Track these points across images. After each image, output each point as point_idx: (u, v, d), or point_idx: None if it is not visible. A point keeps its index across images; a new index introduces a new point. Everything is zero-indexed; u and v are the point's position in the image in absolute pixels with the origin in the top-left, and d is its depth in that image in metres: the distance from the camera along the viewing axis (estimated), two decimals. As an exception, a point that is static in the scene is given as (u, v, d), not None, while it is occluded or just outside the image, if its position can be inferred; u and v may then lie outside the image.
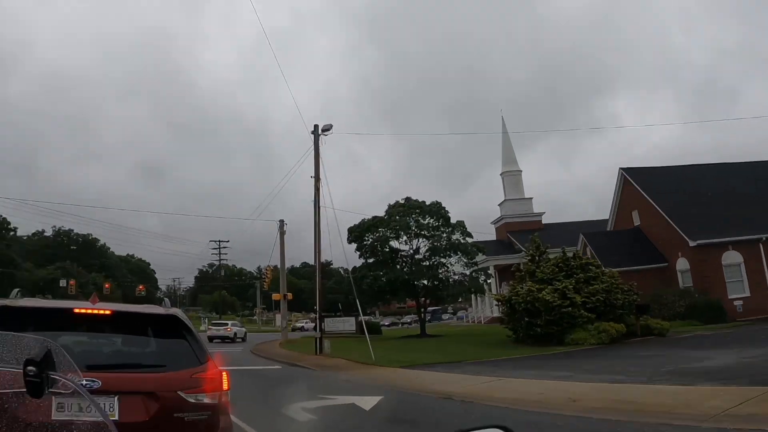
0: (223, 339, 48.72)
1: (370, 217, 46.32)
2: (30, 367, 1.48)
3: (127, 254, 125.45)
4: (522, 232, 57.19)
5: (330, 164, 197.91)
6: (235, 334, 50.43)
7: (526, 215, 63.05)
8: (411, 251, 45.55)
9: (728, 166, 43.75)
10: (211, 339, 47.13)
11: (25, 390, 1.50)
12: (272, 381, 18.82)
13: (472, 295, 58.99)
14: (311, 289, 41.72)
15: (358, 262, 46.58)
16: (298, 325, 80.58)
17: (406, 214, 45.38)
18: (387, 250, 45.33)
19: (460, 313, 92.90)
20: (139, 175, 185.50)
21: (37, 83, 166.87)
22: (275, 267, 54.58)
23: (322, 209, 31.91)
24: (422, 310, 47.53)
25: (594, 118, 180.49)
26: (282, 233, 47.84)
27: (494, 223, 66.99)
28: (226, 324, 53.41)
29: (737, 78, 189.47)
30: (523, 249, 43.63)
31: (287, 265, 51.11)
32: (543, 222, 63.36)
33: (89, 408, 4.01)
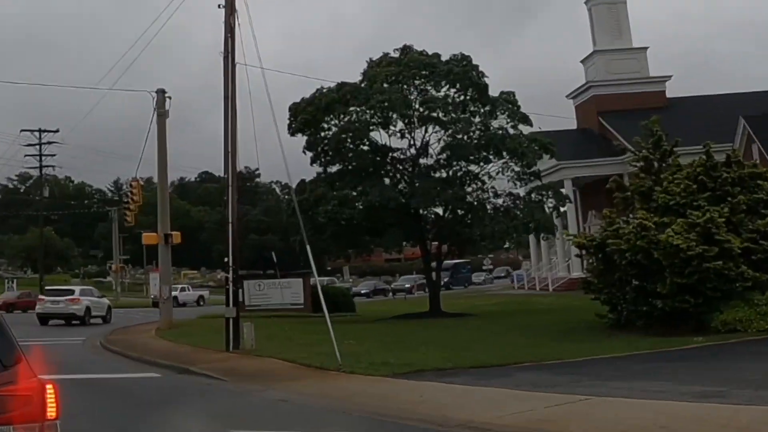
0: (68, 319, 48.87)
1: (333, 86, 45.84)
2: None
3: None
4: (627, 114, 57.06)
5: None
6: (88, 309, 50.50)
7: (634, 81, 63.10)
8: (413, 151, 45.49)
9: None
10: (44, 319, 47.34)
11: None
12: (143, 403, 18.80)
13: (531, 237, 59.34)
14: (218, 224, 41.72)
15: (311, 171, 46.44)
16: (203, 292, 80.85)
17: (404, 78, 45.11)
18: (366, 148, 45.28)
19: (518, 272, 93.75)
20: None
21: None
22: (148, 181, 54.14)
23: (240, 70, 31.34)
24: (434, 264, 47.87)
25: None
26: (161, 115, 47.16)
27: (573, 97, 67.08)
28: (71, 292, 53.49)
29: None
30: (628, 147, 43.51)
31: (172, 178, 50.96)
32: (667, 95, 63.30)
33: None
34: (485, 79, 45.36)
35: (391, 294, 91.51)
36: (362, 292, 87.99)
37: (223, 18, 31.34)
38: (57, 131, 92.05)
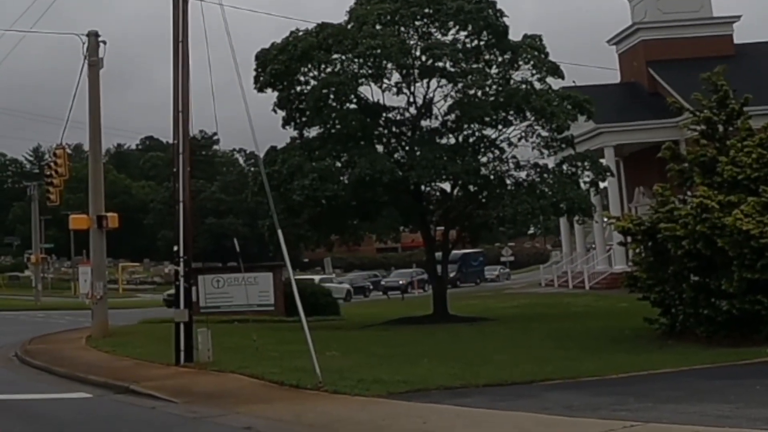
0: None
1: (312, 28, 45.70)
2: None
3: None
4: (684, 64, 57.15)
5: None
6: None
7: (693, 23, 63.41)
8: (412, 111, 45.47)
9: None
10: None
11: None
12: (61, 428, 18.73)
13: (562, 220, 59.41)
14: (167, 203, 41.82)
15: (284, 136, 46.41)
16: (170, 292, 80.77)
17: (402, 19, 45.15)
18: (353, 107, 45.19)
19: (561, 259, 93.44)
20: None
21: None
22: (77, 149, 53.91)
23: (194, 6, 31.17)
24: (440, 255, 48.00)
25: None
26: (93, 65, 47.06)
27: (616, 43, 67.27)
28: None
29: None
30: (686, 106, 43.41)
31: (108, 144, 50.95)
32: (735, 41, 63.50)
33: None
34: (504, 19, 45.17)
35: (384, 291, 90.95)
36: (347, 287, 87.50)
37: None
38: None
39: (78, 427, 19.43)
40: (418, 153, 43.97)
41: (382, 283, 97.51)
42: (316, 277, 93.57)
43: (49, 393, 24.92)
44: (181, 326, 29.86)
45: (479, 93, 44.13)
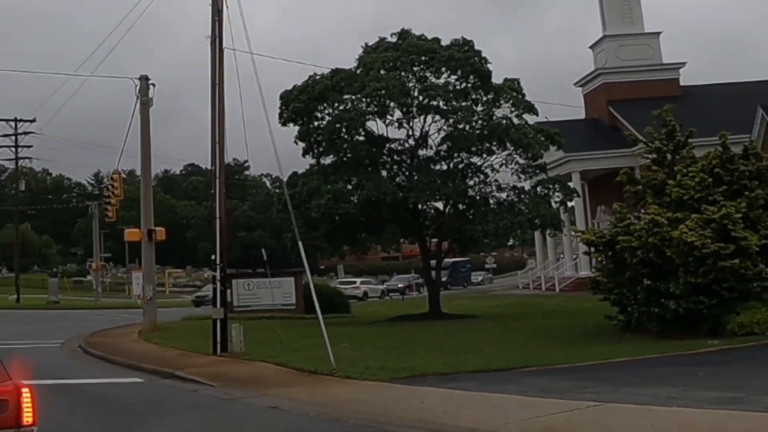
0: None
1: (327, 72, 45.88)
2: None
3: None
4: (639, 103, 57.23)
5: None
6: None
7: (646, 68, 63.40)
8: (411, 142, 45.55)
9: None
10: None
11: None
12: (124, 410, 18.78)
13: (536, 234, 59.40)
14: (205, 219, 41.74)
15: (303, 163, 46.49)
16: (206, 293, 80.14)
17: (402, 65, 45.17)
18: (362, 139, 45.28)
19: (535, 266, 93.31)
20: None
21: None
22: (131, 174, 54.01)
23: (228, 55, 31.29)
24: (434, 263, 47.98)
25: None
26: (144, 104, 47.07)
27: (582, 85, 67.23)
28: None
29: None
30: (640, 138, 43.45)
31: (156, 170, 50.92)
32: (681, 83, 63.58)
33: None
34: (488, 65, 45.29)
35: (386, 293, 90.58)
36: (357, 290, 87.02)
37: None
38: (33, 121, 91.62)
39: (132, 407, 19.32)
40: (415, 177, 44.07)
41: (384, 286, 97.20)
42: (358, 280, 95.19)
43: (108, 378, 24.95)
44: (218, 322, 29.91)
45: (467, 127, 44.20)
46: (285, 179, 39.14)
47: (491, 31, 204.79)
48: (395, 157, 45.94)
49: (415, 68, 45.04)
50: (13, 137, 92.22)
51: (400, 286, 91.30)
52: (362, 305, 68.94)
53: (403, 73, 44.76)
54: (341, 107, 44.74)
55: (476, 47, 45.60)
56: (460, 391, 18.53)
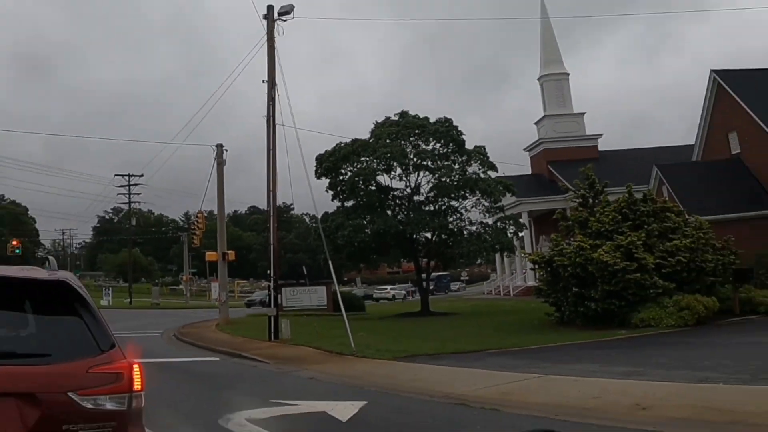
0: None
1: (348, 141, 46.17)
2: None
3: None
4: (569, 163, 57.34)
5: (293, 63, 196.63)
6: None
7: (574, 138, 63.35)
8: (408, 190, 45.64)
9: None
10: None
11: None
12: (206, 379, 18.93)
13: (497, 255, 59.39)
14: (263, 245, 41.75)
15: (332, 206, 46.61)
16: (254, 297, 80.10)
17: (402, 136, 45.30)
18: (373, 188, 45.38)
19: (496, 278, 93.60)
20: (12, 76, 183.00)
21: None
22: (210, 213, 54.40)
23: (279, 129, 31.45)
24: (424, 276, 47.86)
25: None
26: (220, 164, 47.36)
27: (529, 150, 67.13)
28: None
29: None
30: (570, 188, 43.62)
31: (228, 210, 51.04)
32: (599, 149, 63.59)
33: None
34: (462, 136, 45.54)
35: (392, 297, 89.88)
36: (371, 295, 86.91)
37: (266, 90, 31.56)
38: (141, 175, 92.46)
39: (212, 377, 19.45)
40: (411, 215, 44.17)
41: (393, 292, 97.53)
42: (389, 287, 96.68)
43: (194, 357, 24.98)
44: (272, 318, 29.98)
45: (447, 180, 44.31)
46: (319, 217, 39.14)
47: (466, 110, 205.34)
48: (397, 201, 46.01)
49: (411, 138, 45.23)
50: (127, 187, 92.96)
51: (403, 291, 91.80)
52: (374, 305, 68.85)
53: (402, 142, 44.91)
54: (359, 166, 44.94)
55: (454, 123, 45.87)
56: (442, 367, 18.58)
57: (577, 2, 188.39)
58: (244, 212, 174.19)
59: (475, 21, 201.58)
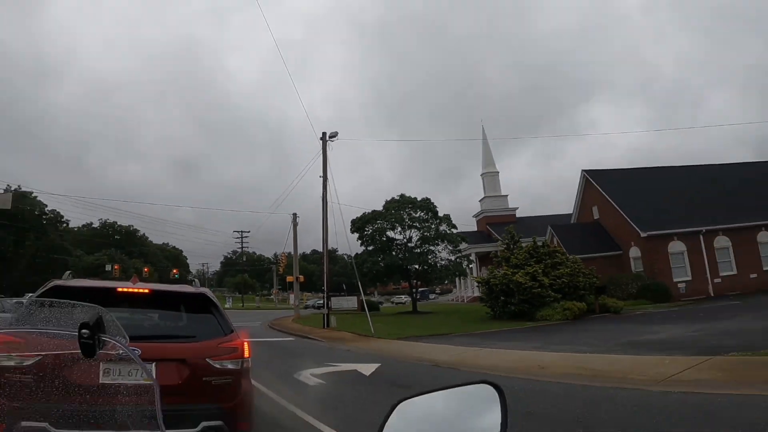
0: None
1: (370, 211, 46.22)
2: (84, 330, 1.45)
3: (163, 243, 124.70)
4: (499, 224, 57.20)
5: (337, 164, 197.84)
6: None
7: (502, 210, 63.20)
8: (404, 240, 45.56)
9: (676, 169, 43.89)
10: None
11: (79, 351, 1.46)
12: (286, 351, 18.76)
13: (456, 278, 59.01)
14: (320, 272, 41.90)
15: (360, 249, 46.60)
16: (309, 303, 79.76)
17: (401, 208, 45.37)
18: (384, 239, 45.32)
19: (456, 291, 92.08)
20: (173, 172, 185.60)
21: (84, 88, 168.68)
22: (289, 254, 54.54)
23: (329, 204, 31.77)
24: (414, 290, 47.61)
25: (572, 125, 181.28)
26: (295, 225, 47.77)
27: (475, 216, 67.01)
28: None
29: (700, 90, 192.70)
30: (499, 239, 43.60)
31: (299, 251, 51.11)
32: (517, 216, 63.51)
33: (132, 372, 3.96)
34: (436, 208, 45.29)
35: (394, 303, 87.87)
36: (382, 302, 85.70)
37: (322, 182, 31.92)
38: (248, 232, 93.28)
39: (289, 350, 19.01)
40: (406, 255, 43.94)
41: (393, 300, 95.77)
42: (403, 296, 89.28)
43: (279, 338, 24.80)
44: (325, 315, 29.84)
45: (428, 234, 44.24)
46: (353, 255, 39.20)
47: (438, 192, 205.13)
48: (398, 247, 45.75)
49: (406, 209, 45.06)
50: (240, 239, 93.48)
51: (402, 300, 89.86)
52: (387, 306, 68.25)
53: (401, 212, 44.88)
54: (376, 226, 44.83)
55: (432, 200, 45.66)
56: (424, 344, 18.51)
57: (505, 125, 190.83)
58: (309, 252, 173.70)
59: (447, 141, 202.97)
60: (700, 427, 6.10)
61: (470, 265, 52.79)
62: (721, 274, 36.26)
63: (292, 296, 63.68)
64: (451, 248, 45.37)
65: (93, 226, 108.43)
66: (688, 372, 9.34)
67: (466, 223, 65.86)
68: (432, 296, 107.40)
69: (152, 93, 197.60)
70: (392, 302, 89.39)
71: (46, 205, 78.32)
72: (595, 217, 43.64)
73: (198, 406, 4.48)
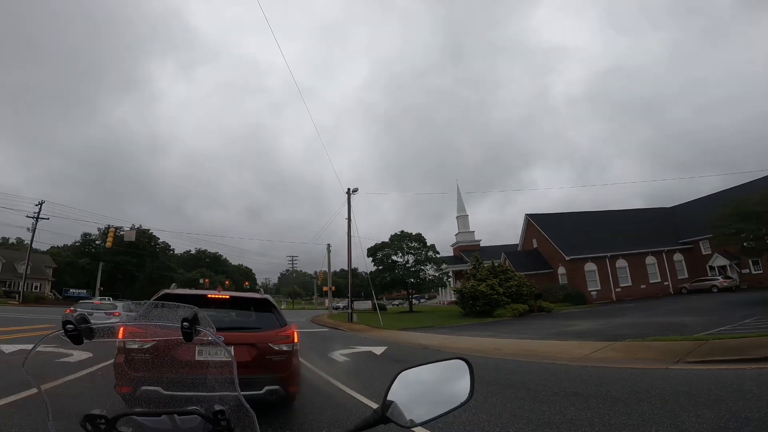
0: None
1: (380, 242, 46.03)
2: (185, 323, 1.42)
3: (239, 264, 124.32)
4: (468, 251, 56.92)
5: (357, 209, 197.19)
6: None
7: (470, 241, 62.88)
8: (404, 262, 45.29)
9: (590, 213, 43.95)
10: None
11: (181, 338, 1.44)
12: (322, 337, 18.37)
13: (440, 288, 58.33)
14: (346, 284, 41.72)
15: (373, 268, 46.29)
16: (339, 305, 78.32)
17: (401, 240, 45.23)
18: (390, 261, 45.06)
19: (440, 297, 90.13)
20: (245, 216, 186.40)
21: (184, 159, 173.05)
22: (325, 272, 54.36)
23: (353, 238, 31.96)
24: (410, 296, 47.01)
25: (519, 182, 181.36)
26: (329, 252, 47.82)
27: (452, 245, 66.54)
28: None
29: (607, 158, 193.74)
30: (468, 261, 43.33)
31: (332, 270, 50.83)
32: (481, 245, 63.08)
33: (218, 352, 3.92)
34: (426, 239, 45.17)
35: (397, 305, 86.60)
36: (386, 305, 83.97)
37: (347, 223, 32.06)
38: (297, 257, 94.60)
39: (325, 337, 18.18)
40: (406, 272, 43.58)
41: (395, 303, 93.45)
42: (403, 301, 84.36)
43: (317, 329, 24.21)
44: (350, 313, 29.43)
45: (420, 258, 44.03)
46: (369, 272, 38.94)
47: (427, 228, 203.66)
48: (400, 266, 45.36)
49: (405, 241, 44.98)
50: (291, 262, 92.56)
51: (403, 303, 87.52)
52: (394, 308, 67.28)
53: (402, 242, 44.72)
54: (385, 252, 44.61)
55: (423, 235, 45.62)
56: (418, 333, 18.24)
57: (473, 183, 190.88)
58: (338, 270, 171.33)
59: (432, 194, 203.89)
60: (606, 389, 6.15)
61: (449, 279, 52.16)
62: (621, 285, 35.99)
63: (327, 301, 62.98)
64: (435, 267, 45.05)
65: (191, 252, 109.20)
66: (597, 353, 9.29)
67: (445, 250, 65.46)
68: (422, 300, 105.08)
69: (230, 162, 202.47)
70: (395, 305, 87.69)
71: (159, 238, 79.35)
72: (534, 246, 43.46)
73: (262, 376, 4.37)
